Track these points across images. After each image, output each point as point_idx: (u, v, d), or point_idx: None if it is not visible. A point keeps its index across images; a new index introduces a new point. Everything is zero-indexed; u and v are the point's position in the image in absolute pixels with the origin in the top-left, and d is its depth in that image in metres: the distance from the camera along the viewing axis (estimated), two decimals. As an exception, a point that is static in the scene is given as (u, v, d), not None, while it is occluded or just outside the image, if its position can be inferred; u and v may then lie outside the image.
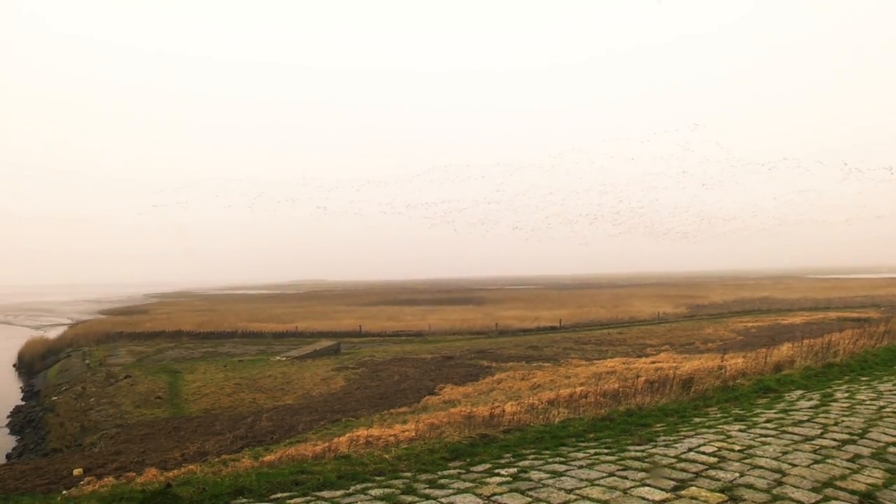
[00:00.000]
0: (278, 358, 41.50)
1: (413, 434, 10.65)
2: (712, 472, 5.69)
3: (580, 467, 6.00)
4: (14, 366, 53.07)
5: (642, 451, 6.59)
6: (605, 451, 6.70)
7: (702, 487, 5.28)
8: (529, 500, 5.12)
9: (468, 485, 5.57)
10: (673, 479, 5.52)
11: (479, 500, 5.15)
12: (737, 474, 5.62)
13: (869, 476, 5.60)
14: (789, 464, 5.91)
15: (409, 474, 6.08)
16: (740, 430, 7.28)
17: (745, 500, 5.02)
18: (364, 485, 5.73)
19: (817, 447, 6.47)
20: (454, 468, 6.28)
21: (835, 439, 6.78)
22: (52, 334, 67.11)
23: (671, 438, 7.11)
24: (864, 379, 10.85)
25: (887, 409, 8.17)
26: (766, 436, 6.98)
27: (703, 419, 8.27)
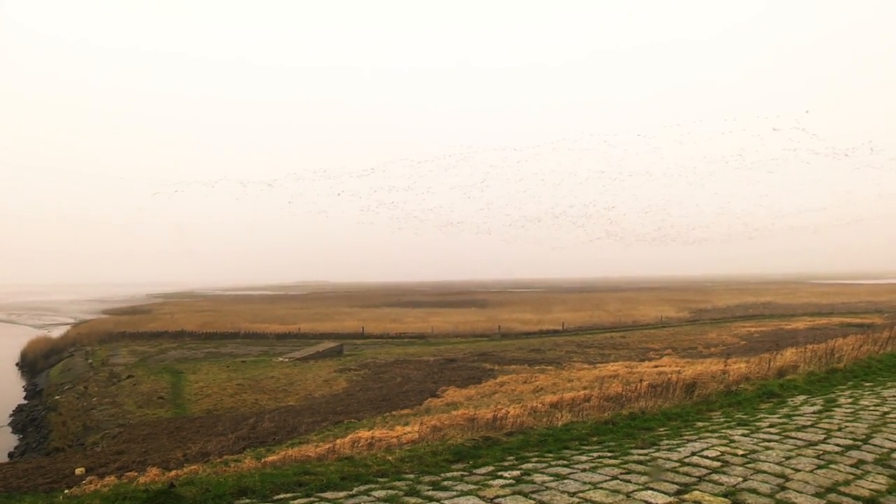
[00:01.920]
0: (281, 359, 41.52)
1: (416, 436, 10.66)
2: (715, 477, 5.69)
3: (583, 470, 6.01)
4: (17, 364, 53.19)
5: (645, 454, 6.59)
6: (609, 454, 6.70)
7: (705, 492, 5.28)
8: (533, 502, 5.12)
9: (471, 487, 5.57)
10: (676, 483, 5.52)
11: (482, 502, 5.15)
12: (740, 479, 5.62)
13: (873, 482, 5.59)
14: (793, 469, 5.91)
15: (412, 476, 6.09)
16: (743, 435, 7.28)
17: (748, 504, 5.02)
18: (367, 486, 5.74)
19: (821, 452, 6.47)
20: (457, 470, 6.29)
21: (838, 445, 6.77)
22: (55, 333, 67.27)
23: (674, 442, 7.11)
24: (867, 384, 10.83)
25: (891, 415, 8.16)
26: (769, 440, 6.98)
27: (707, 423, 8.27)
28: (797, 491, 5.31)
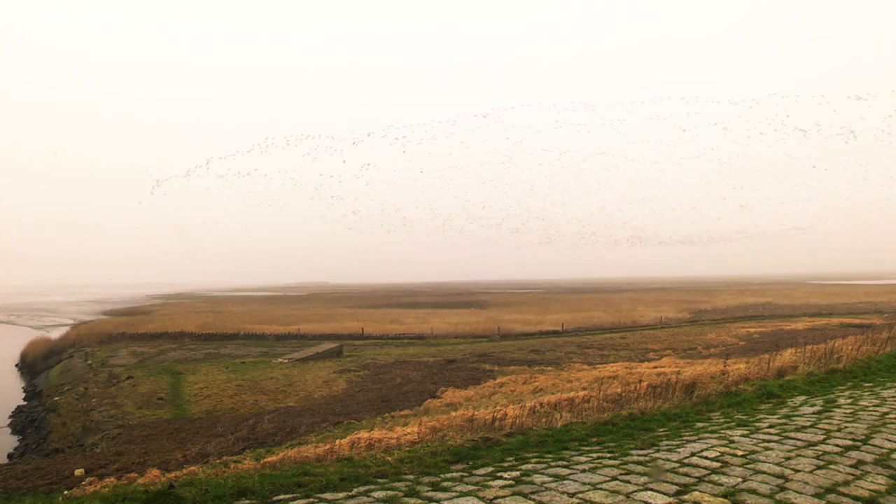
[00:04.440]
0: (280, 360, 41.49)
1: (415, 437, 10.64)
2: (715, 477, 5.69)
3: (583, 471, 6.00)
4: (16, 366, 53.16)
5: (645, 455, 6.58)
6: (608, 455, 6.70)
7: (704, 492, 5.28)
8: (532, 503, 5.12)
9: (471, 488, 5.57)
10: (676, 484, 5.51)
11: (481, 503, 5.15)
12: (739, 479, 5.61)
13: (872, 482, 5.59)
14: (792, 469, 5.91)
15: (411, 477, 6.09)
16: (743, 436, 7.27)
17: (747, 505, 5.02)
18: (367, 487, 5.73)
19: (820, 453, 6.46)
20: (457, 471, 6.28)
21: (838, 445, 6.77)
22: (55, 335, 67.22)
23: (674, 443, 7.10)
24: (867, 385, 10.83)
25: (891, 416, 8.16)
26: (768, 441, 6.97)
27: (706, 424, 8.26)
28: (797, 491, 5.31)
